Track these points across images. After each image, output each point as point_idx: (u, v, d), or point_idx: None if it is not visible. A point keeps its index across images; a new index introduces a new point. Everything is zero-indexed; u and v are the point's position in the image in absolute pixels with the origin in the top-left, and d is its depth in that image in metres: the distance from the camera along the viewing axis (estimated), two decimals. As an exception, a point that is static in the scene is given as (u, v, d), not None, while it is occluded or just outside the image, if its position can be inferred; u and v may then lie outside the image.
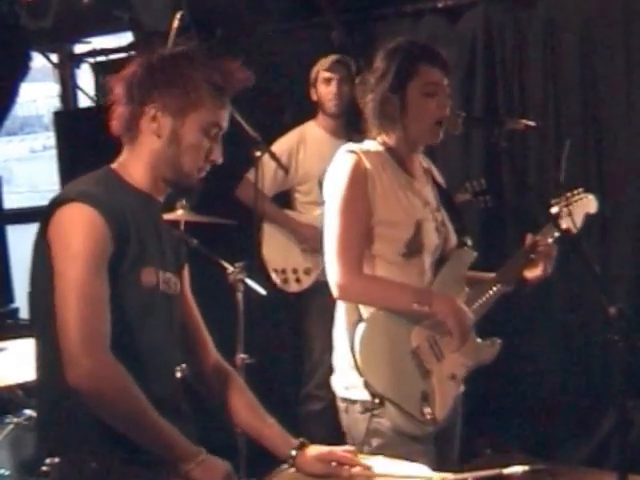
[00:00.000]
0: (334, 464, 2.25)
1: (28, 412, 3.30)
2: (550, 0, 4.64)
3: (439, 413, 2.70)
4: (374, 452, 2.56)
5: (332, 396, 2.91)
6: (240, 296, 4.00)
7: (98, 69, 6.00)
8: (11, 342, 3.64)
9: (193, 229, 3.95)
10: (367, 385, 2.66)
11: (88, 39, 6.00)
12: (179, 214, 3.94)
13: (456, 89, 4.45)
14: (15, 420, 3.30)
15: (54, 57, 6.16)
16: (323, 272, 2.80)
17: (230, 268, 4.00)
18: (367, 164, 2.71)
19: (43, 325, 2.09)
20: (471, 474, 2.20)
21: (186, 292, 2.40)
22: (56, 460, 2.08)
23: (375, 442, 2.67)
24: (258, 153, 4.06)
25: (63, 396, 2.03)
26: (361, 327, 2.69)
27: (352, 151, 2.74)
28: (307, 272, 4.59)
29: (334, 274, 2.68)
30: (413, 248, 2.74)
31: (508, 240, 4.69)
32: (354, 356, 2.67)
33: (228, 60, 2.22)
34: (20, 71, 5.32)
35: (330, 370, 2.88)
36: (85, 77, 6.28)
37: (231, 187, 4.58)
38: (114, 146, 2.27)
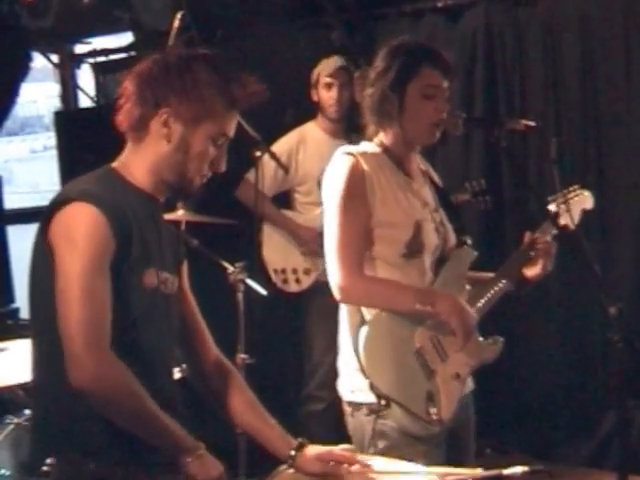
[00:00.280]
0: (333, 463, 2.25)
1: (29, 412, 3.30)
2: (550, 0, 4.64)
3: (445, 413, 2.70)
4: (380, 454, 2.56)
5: (333, 396, 2.91)
6: (240, 296, 4.00)
7: (98, 69, 6.01)
8: (12, 342, 3.64)
9: (194, 229, 3.95)
10: (372, 387, 2.65)
11: (88, 39, 6.00)
12: (180, 214, 3.94)
13: (456, 89, 4.46)
14: (16, 420, 3.30)
15: (54, 57, 6.16)
16: (323, 272, 2.80)
17: (230, 268, 4.00)
18: (365, 166, 2.71)
19: (43, 325, 2.08)
20: (471, 474, 2.21)
21: (185, 289, 2.39)
22: (55, 461, 2.08)
23: (381, 444, 2.66)
24: (258, 153, 4.07)
25: (62, 396, 2.03)
26: (364, 329, 2.69)
27: (349, 153, 2.73)
28: (307, 272, 4.59)
29: (335, 277, 2.68)
30: (413, 249, 2.74)
31: (508, 240, 4.69)
32: (358, 358, 2.67)
33: (244, 72, 2.20)
34: (20, 71, 5.32)
35: (331, 370, 2.88)
36: (85, 77, 6.28)
37: (232, 187, 4.59)
38: (115, 146, 2.25)
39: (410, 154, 2.85)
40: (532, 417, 4.81)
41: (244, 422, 2.35)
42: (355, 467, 2.26)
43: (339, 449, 2.31)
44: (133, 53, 5.65)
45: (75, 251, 1.99)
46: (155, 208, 2.25)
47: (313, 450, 2.28)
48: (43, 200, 2.09)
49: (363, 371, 2.66)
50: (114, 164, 2.22)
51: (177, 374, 2.51)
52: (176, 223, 3.78)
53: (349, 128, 4.44)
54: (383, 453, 2.58)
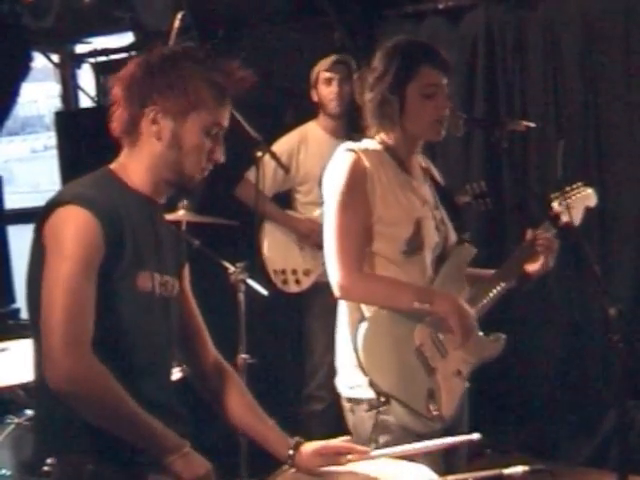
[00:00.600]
0: (331, 456, 2.27)
1: (29, 412, 3.30)
2: (551, 1, 4.65)
3: (445, 410, 2.70)
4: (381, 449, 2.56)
5: (334, 396, 2.92)
6: (241, 296, 4.01)
7: (99, 69, 6.01)
8: (12, 342, 3.65)
9: (194, 229, 3.95)
10: (372, 384, 2.66)
11: (89, 39, 6.00)
12: (181, 214, 3.95)
13: (457, 90, 4.46)
14: (16, 420, 3.30)
15: (55, 57, 6.16)
16: (323, 273, 2.80)
17: (231, 268, 4.00)
18: (366, 163, 2.71)
19: (37, 326, 2.08)
20: (471, 474, 2.21)
21: (186, 291, 2.39)
22: (55, 461, 2.09)
23: (382, 439, 2.67)
24: (259, 154, 4.07)
25: (56, 395, 2.02)
26: (364, 326, 2.70)
27: (351, 150, 2.74)
28: (306, 273, 4.59)
29: (335, 274, 2.68)
30: (413, 246, 2.74)
31: (509, 241, 4.69)
32: (358, 355, 2.67)
33: (228, 60, 2.20)
34: (21, 71, 5.31)
35: (331, 370, 2.88)
36: (86, 77, 6.28)
37: (232, 188, 4.59)
38: (115, 146, 2.25)
39: (412, 153, 2.86)
40: (532, 417, 4.81)
41: (242, 423, 2.35)
42: (353, 455, 2.28)
43: (335, 441, 2.32)
44: (134, 53, 5.64)
45: (62, 253, 2.00)
46: (153, 210, 2.25)
47: (310, 447, 2.29)
48: (44, 200, 2.10)
49: (362, 368, 2.67)
50: (112, 165, 2.22)
51: (178, 374, 2.51)
52: (177, 223, 3.78)
53: (350, 127, 4.44)
54: (384, 448, 2.57)
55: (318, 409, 4.56)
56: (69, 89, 6.25)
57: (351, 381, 2.75)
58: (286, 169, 4.43)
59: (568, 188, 3.02)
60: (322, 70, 4.58)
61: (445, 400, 2.71)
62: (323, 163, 2.85)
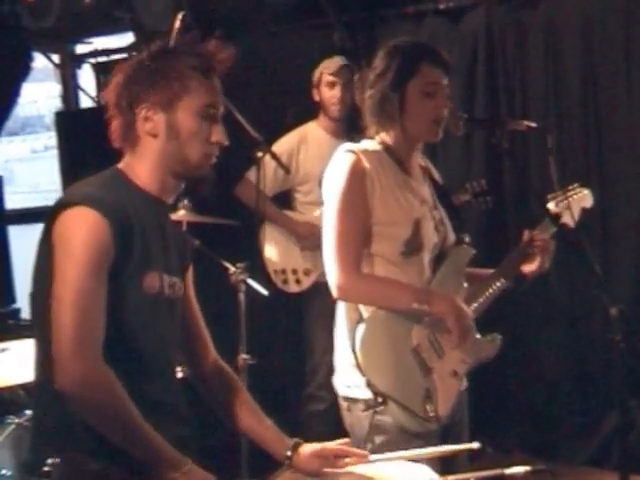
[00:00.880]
0: (330, 458, 2.27)
1: (29, 412, 3.30)
2: (551, 1, 4.65)
3: (442, 410, 2.71)
4: (377, 449, 2.57)
5: (334, 396, 2.92)
6: (242, 297, 4.01)
7: (99, 69, 6.00)
8: (13, 342, 3.64)
9: (195, 230, 3.95)
10: (369, 384, 2.66)
11: (89, 39, 6.00)
12: (181, 214, 3.95)
13: (458, 90, 4.47)
14: (17, 420, 3.30)
15: (55, 57, 6.16)
16: (323, 273, 2.80)
17: (232, 269, 4.00)
18: (366, 163, 2.71)
19: (42, 327, 2.07)
20: (473, 474, 2.21)
21: (189, 292, 2.39)
22: (56, 461, 2.08)
23: (378, 439, 2.67)
24: (260, 154, 4.07)
25: (62, 397, 2.02)
26: (361, 326, 2.70)
27: (351, 150, 2.74)
28: (307, 273, 4.59)
29: (333, 274, 2.69)
30: (412, 247, 2.75)
31: (509, 241, 4.68)
32: (355, 356, 2.68)
33: (208, 42, 2.21)
34: (21, 71, 5.32)
35: (332, 370, 2.88)
36: (86, 77, 6.28)
37: (232, 188, 4.59)
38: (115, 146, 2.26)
39: (412, 153, 2.86)
40: (534, 416, 4.81)
41: (241, 424, 2.35)
42: (351, 459, 2.28)
43: (334, 443, 2.32)
44: (134, 53, 5.64)
45: (72, 256, 2.00)
46: (161, 211, 2.25)
47: (308, 448, 2.30)
48: (44, 200, 2.10)
49: (360, 368, 2.67)
50: (120, 165, 2.23)
51: (179, 374, 2.51)
52: (177, 223, 3.78)
53: (350, 128, 4.44)
54: (380, 448, 2.58)
55: (319, 409, 4.56)
56: (69, 89, 6.25)
57: (348, 380, 2.75)
58: (286, 169, 4.43)
59: (565, 189, 3.03)
60: (326, 73, 4.57)
61: (441, 400, 2.72)
62: (323, 163, 2.85)
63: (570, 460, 4.65)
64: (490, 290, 2.87)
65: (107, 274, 2.03)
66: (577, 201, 3.04)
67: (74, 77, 6.25)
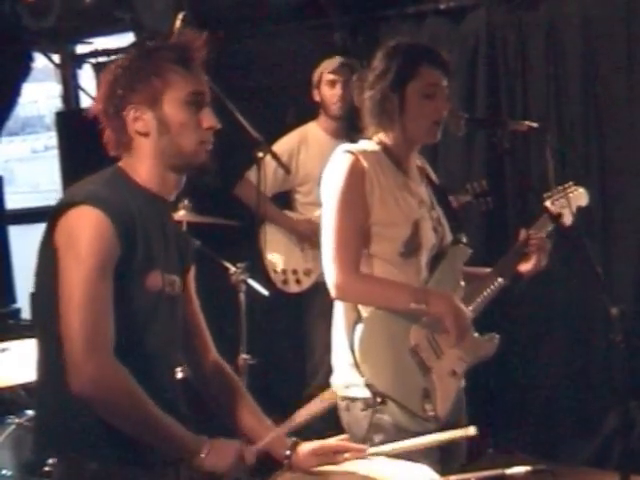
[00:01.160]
0: (329, 455, 2.28)
1: (30, 412, 3.30)
2: (552, 2, 4.65)
3: (441, 410, 2.71)
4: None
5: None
6: (242, 297, 4.01)
7: (100, 69, 5.99)
8: (13, 342, 3.65)
9: (195, 230, 3.95)
10: (368, 384, 2.66)
11: (90, 39, 6.00)
12: (181, 215, 3.95)
13: (458, 90, 4.47)
14: (17, 420, 3.31)
15: (56, 57, 6.15)
16: (323, 273, 2.80)
17: (232, 269, 4.01)
18: (364, 164, 2.71)
19: (46, 327, 2.08)
20: (473, 474, 2.21)
21: (190, 292, 2.39)
22: (56, 461, 2.08)
23: (377, 438, 2.66)
24: (260, 154, 4.07)
25: (65, 398, 2.02)
26: (360, 326, 2.70)
27: (349, 151, 2.74)
28: (307, 273, 4.59)
29: (331, 274, 2.69)
30: (411, 248, 2.75)
31: (510, 241, 4.67)
32: (354, 355, 2.68)
33: (181, 35, 2.23)
34: (22, 71, 5.32)
35: (332, 370, 2.88)
36: (87, 77, 6.27)
37: (232, 188, 4.59)
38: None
39: (410, 154, 2.86)
40: (535, 417, 4.81)
41: (241, 424, 2.35)
42: (349, 454, 2.29)
43: (332, 440, 2.34)
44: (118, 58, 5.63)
45: (79, 257, 2.00)
46: (163, 209, 2.25)
47: (306, 447, 2.31)
48: (44, 200, 2.10)
49: (358, 368, 2.67)
50: (121, 163, 2.22)
51: (179, 374, 2.51)
52: (178, 224, 3.78)
53: (350, 128, 4.44)
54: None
55: (319, 409, 4.55)
56: (70, 89, 6.25)
57: (347, 380, 2.75)
58: (287, 169, 4.43)
59: (560, 187, 3.03)
60: (326, 72, 4.57)
61: (440, 400, 2.72)
62: (323, 164, 2.85)
63: (571, 460, 4.65)
64: (488, 289, 2.88)
65: (113, 273, 2.03)
66: (573, 200, 3.05)
67: (74, 77, 6.25)
